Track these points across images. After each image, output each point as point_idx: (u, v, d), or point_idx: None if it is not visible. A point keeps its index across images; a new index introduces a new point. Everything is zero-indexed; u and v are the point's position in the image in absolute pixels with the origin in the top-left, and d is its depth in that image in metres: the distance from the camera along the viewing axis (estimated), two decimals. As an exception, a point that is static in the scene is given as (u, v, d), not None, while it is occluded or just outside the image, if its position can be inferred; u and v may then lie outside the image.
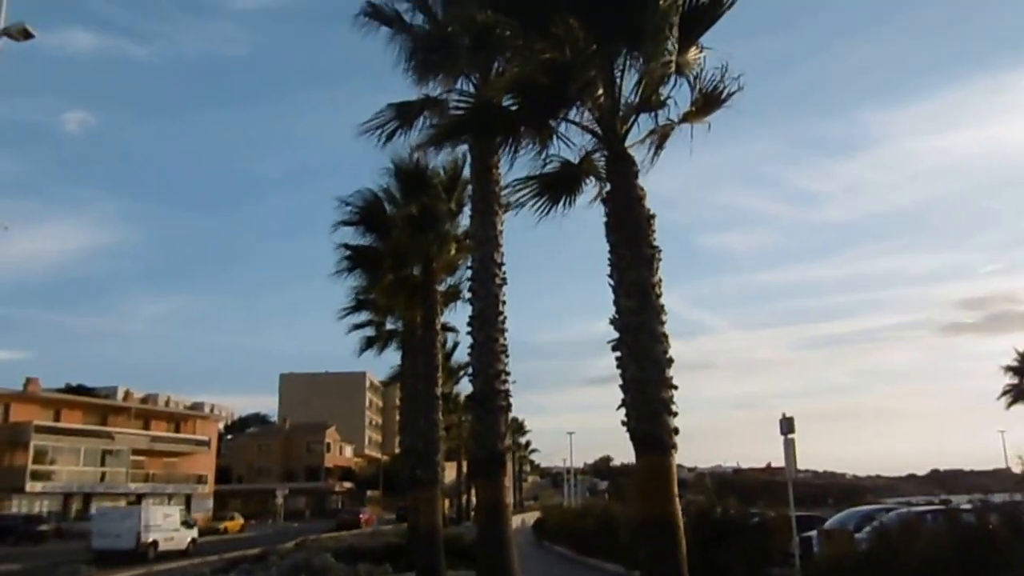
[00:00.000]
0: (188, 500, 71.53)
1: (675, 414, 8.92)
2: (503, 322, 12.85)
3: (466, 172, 17.98)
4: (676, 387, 8.97)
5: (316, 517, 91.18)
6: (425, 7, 14.83)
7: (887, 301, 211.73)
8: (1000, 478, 74.07)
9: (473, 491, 61.68)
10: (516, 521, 54.04)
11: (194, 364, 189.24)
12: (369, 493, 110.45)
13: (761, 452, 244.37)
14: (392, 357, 31.97)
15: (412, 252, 19.32)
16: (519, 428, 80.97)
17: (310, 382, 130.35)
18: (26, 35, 10.74)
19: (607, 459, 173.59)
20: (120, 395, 71.46)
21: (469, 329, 12.94)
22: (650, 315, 9.04)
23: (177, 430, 72.41)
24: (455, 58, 13.70)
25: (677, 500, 8.71)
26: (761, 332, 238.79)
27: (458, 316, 23.25)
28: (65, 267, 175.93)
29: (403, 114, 14.86)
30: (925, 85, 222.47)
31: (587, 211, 10.35)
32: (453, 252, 19.70)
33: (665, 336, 9.05)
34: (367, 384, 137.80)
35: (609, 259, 9.41)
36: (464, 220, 19.00)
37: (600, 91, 9.90)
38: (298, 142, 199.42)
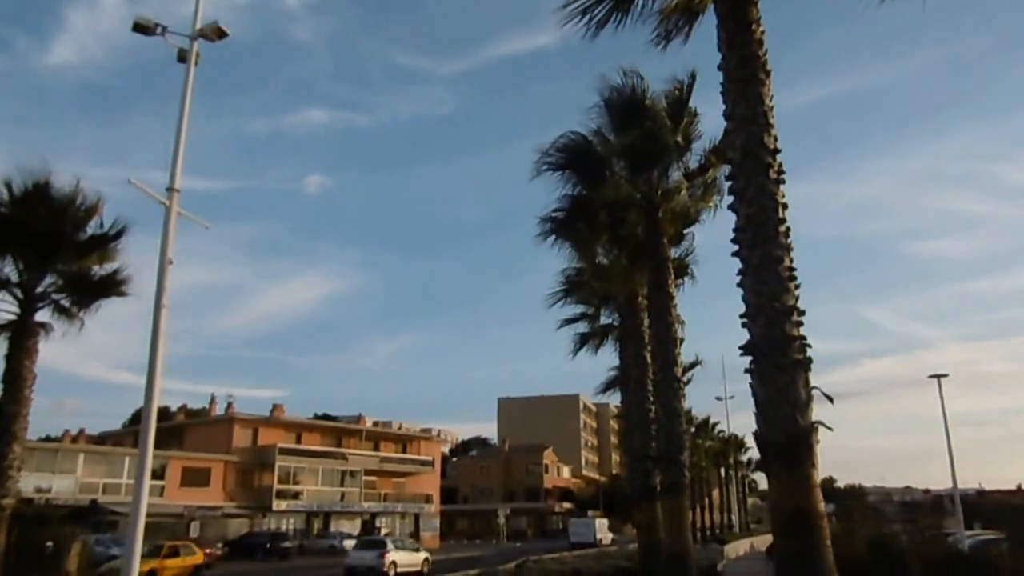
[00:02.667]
0: (417, 519, 74.12)
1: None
2: (787, 233, 8.93)
3: (692, 101, 15.07)
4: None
5: (537, 537, 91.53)
6: None
7: None
8: None
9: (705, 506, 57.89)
10: (745, 546, 50.97)
11: (423, 396, 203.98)
12: (590, 513, 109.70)
13: (1003, 473, 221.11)
14: (609, 359, 29.21)
15: (632, 200, 15.82)
16: (740, 445, 75.75)
17: (526, 406, 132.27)
18: (220, 34, 10.80)
19: (830, 479, 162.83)
20: (356, 420, 75.88)
21: (736, 248, 9.09)
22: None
23: (404, 451, 75.41)
24: None
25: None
26: (988, 343, 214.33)
27: (686, 304, 21.37)
28: (313, 314, 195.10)
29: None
30: None
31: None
32: (684, 195, 15.82)
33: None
34: (581, 406, 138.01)
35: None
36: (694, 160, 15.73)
37: None
38: (500, 189, 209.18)
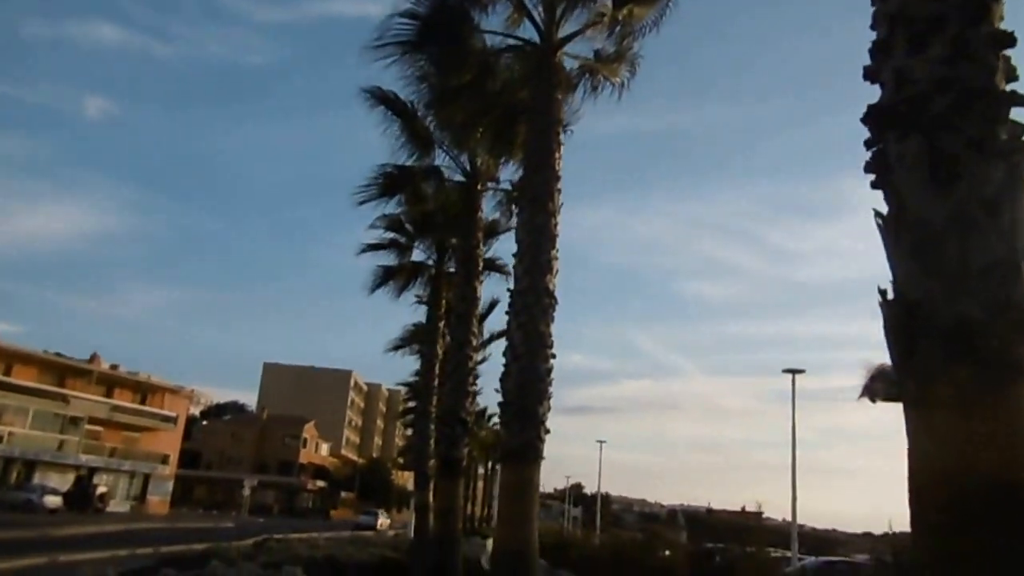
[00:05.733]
0: (146, 480, 65.28)
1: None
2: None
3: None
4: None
5: (284, 514, 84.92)
6: None
7: (853, 363, 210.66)
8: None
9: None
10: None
11: (182, 354, 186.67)
12: (344, 494, 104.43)
13: (728, 496, 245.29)
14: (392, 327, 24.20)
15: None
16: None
17: (294, 375, 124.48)
18: None
19: (578, 486, 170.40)
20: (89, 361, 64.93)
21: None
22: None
23: (143, 402, 65.93)
24: None
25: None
26: (730, 379, 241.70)
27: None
28: (66, 249, 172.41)
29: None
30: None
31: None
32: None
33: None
34: (352, 383, 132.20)
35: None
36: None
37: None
38: (299, 155, 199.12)
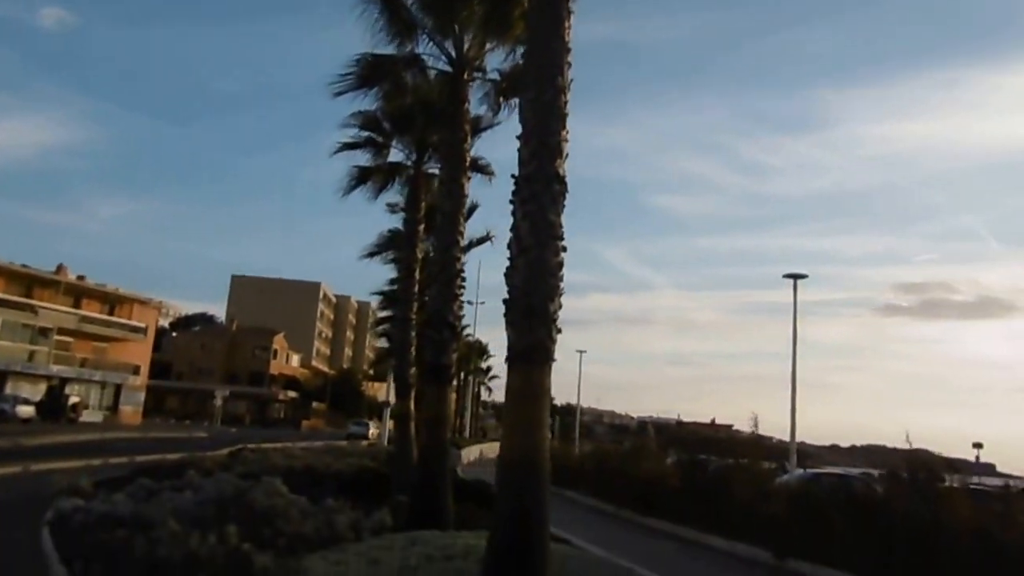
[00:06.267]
0: (118, 390, 65.16)
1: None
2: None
3: None
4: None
5: (256, 424, 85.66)
6: None
7: (825, 278, 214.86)
8: (918, 458, 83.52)
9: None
10: (476, 452, 49.04)
11: (148, 266, 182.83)
12: (315, 405, 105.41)
13: (699, 409, 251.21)
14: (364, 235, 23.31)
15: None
16: (483, 351, 75.19)
17: (262, 287, 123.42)
18: None
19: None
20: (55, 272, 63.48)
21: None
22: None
23: (111, 313, 65.14)
24: None
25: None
26: (701, 294, 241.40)
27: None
28: (27, 160, 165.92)
29: None
30: (881, 73, 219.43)
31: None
32: None
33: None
34: (321, 295, 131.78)
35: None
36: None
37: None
38: (264, 63, 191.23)
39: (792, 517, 12.93)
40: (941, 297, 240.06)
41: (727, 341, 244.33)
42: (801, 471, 22.06)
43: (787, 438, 24.65)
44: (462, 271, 12.90)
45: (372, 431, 66.65)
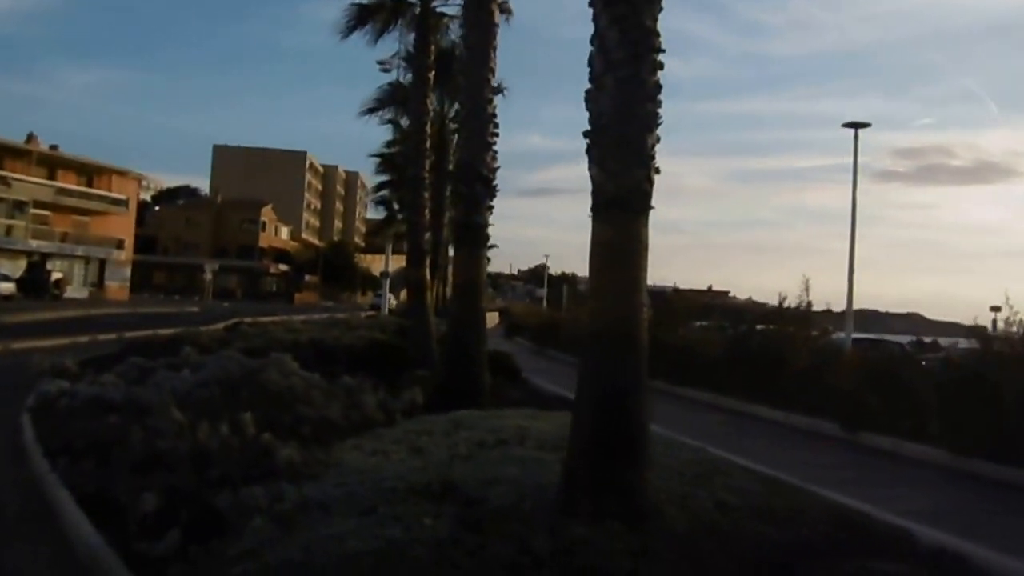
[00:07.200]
0: (102, 265, 63.32)
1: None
2: None
3: None
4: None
5: (248, 298, 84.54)
6: None
7: (820, 142, 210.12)
8: (913, 322, 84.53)
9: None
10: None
11: (126, 139, 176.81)
12: (307, 278, 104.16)
13: (693, 276, 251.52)
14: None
15: None
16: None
17: (246, 157, 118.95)
18: None
19: (543, 267, 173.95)
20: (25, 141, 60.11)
21: None
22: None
23: (89, 185, 62.35)
24: None
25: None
26: (693, 160, 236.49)
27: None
28: None
29: None
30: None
31: None
32: None
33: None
34: (307, 164, 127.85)
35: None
36: None
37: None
38: None
39: (862, 387, 11.63)
40: (939, 162, 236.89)
41: (718, 209, 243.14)
42: (850, 337, 21.08)
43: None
44: (495, 115, 10.99)
45: (393, 303, 66.32)
